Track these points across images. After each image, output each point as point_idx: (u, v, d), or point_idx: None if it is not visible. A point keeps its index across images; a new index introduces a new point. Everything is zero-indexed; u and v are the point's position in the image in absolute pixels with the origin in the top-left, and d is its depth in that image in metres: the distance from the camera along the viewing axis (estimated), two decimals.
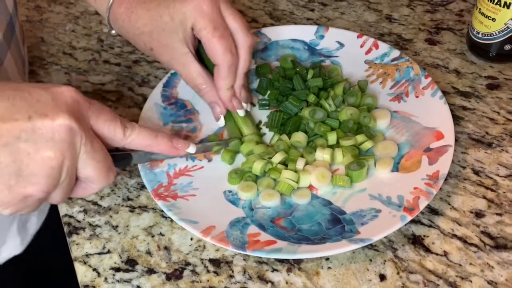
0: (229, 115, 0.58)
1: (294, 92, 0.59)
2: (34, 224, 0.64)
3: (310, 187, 0.52)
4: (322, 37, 0.67)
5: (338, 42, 0.66)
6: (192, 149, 0.50)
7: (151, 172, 0.53)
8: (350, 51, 0.65)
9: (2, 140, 0.34)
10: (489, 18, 0.61)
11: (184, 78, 0.56)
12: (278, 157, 0.53)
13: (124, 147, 0.44)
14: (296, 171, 0.52)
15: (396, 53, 0.63)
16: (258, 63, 0.65)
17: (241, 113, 0.57)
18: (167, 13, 0.51)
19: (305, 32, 0.67)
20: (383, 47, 0.64)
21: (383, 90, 0.61)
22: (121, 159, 0.47)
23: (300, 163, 0.53)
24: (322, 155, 0.53)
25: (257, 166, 0.52)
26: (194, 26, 0.51)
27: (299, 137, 0.55)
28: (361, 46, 0.65)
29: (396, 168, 0.52)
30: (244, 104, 0.57)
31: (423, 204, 0.47)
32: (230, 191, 0.52)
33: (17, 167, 0.35)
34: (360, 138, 0.54)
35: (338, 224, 0.48)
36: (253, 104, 0.61)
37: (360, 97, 0.58)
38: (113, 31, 0.58)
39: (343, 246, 0.45)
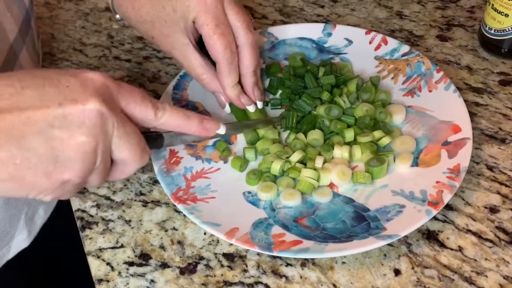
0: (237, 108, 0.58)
1: (307, 90, 0.58)
2: (41, 217, 0.64)
3: (330, 185, 0.52)
4: (329, 34, 0.66)
5: (346, 39, 0.66)
6: (222, 130, 0.49)
7: (168, 176, 0.52)
8: (359, 47, 0.65)
9: (35, 128, 0.35)
10: (502, 13, 0.61)
11: (185, 68, 0.56)
12: (296, 156, 0.53)
13: (156, 128, 0.44)
14: (315, 169, 0.52)
15: (405, 48, 0.63)
16: (267, 62, 0.65)
17: (251, 109, 0.57)
18: (170, 5, 0.52)
19: (313, 30, 0.67)
20: (392, 42, 0.64)
21: (395, 86, 0.60)
22: (153, 140, 0.46)
23: (318, 161, 0.52)
24: (340, 152, 0.53)
25: (276, 166, 0.52)
26: (196, 20, 0.52)
27: (316, 135, 0.54)
28: (370, 43, 0.65)
29: (415, 163, 0.52)
30: (259, 103, 0.57)
31: (447, 197, 0.47)
32: (249, 192, 0.52)
33: (53, 154, 0.35)
34: (377, 134, 0.54)
35: (363, 221, 0.48)
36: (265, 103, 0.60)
37: (374, 93, 0.58)
38: (117, 16, 0.58)
39: (371, 243, 0.45)
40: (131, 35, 0.75)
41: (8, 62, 0.53)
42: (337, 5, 0.77)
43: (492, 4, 0.62)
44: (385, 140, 0.54)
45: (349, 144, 0.54)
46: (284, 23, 0.75)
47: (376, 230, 0.46)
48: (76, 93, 0.36)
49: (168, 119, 0.43)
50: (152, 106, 0.42)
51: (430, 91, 0.58)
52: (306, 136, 0.55)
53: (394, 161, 0.52)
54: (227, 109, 0.58)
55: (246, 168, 0.54)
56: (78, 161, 0.36)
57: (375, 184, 0.51)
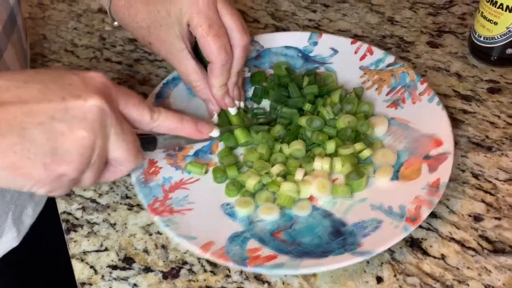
0: (223, 113, 0.58)
1: (290, 100, 0.58)
2: (29, 216, 0.65)
3: (310, 197, 0.52)
4: (315, 43, 0.65)
5: (332, 49, 0.65)
6: (215, 132, 0.50)
7: (146, 187, 0.52)
8: (344, 57, 0.64)
9: (37, 120, 0.36)
10: (491, 21, 0.61)
11: (179, 73, 0.56)
12: (276, 170, 0.52)
13: (151, 130, 0.45)
14: (295, 182, 0.51)
15: (391, 58, 0.62)
16: (252, 71, 0.64)
17: (232, 111, 0.57)
18: (164, 9, 0.52)
19: (299, 39, 0.66)
20: (378, 53, 0.63)
21: (379, 97, 0.60)
22: (147, 142, 0.48)
23: (299, 174, 0.52)
24: (321, 164, 0.52)
25: (251, 183, 0.51)
26: (189, 23, 0.52)
27: (299, 145, 0.54)
28: (355, 52, 0.64)
29: (396, 177, 0.51)
30: (236, 102, 0.57)
31: (425, 213, 0.47)
32: (228, 204, 0.51)
33: (52, 146, 0.36)
34: (358, 146, 0.53)
35: (340, 236, 0.47)
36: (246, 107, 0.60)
37: (357, 104, 0.57)
38: (116, 23, 0.58)
39: (346, 260, 0.44)
40: (123, 37, 0.75)
41: None
42: (329, 10, 0.77)
43: (482, 12, 0.62)
44: (366, 153, 0.53)
45: (330, 155, 0.54)
46: (276, 27, 0.75)
47: (352, 246, 0.46)
48: (79, 90, 0.38)
49: (163, 121, 0.45)
50: (148, 109, 0.43)
51: (414, 102, 0.57)
52: (289, 146, 0.55)
53: (374, 174, 0.52)
54: (215, 118, 0.58)
55: (224, 181, 0.53)
56: (76, 154, 0.37)
57: (354, 197, 0.51)
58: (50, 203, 0.68)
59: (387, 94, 0.60)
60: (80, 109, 0.37)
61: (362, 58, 0.63)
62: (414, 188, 0.49)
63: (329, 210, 0.50)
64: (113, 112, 0.39)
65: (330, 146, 0.53)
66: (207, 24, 0.51)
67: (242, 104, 0.59)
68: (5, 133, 0.35)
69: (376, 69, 0.62)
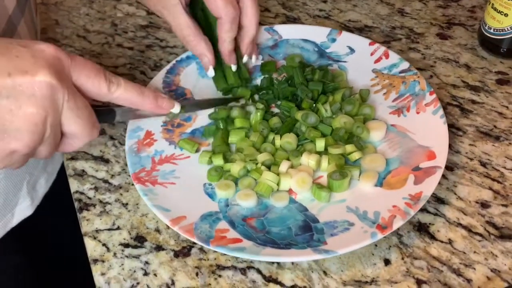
0: (219, 69, 0.59)
1: (299, 88, 0.58)
2: (43, 186, 0.66)
3: (290, 191, 0.52)
4: (333, 40, 0.65)
5: (349, 47, 0.65)
6: (176, 108, 0.50)
7: (136, 156, 0.53)
8: (359, 57, 0.63)
9: None
10: (502, 13, 0.62)
11: (173, 28, 0.57)
12: (262, 157, 0.53)
13: (110, 102, 0.44)
14: (278, 173, 0.52)
15: (405, 65, 0.61)
16: (266, 59, 0.65)
17: (234, 68, 0.59)
18: None
19: (317, 34, 0.66)
20: (393, 57, 0.62)
21: (385, 102, 0.59)
22: (105, 114, 0.46)
23: (283, 166, 0.52)
24: (307, 160, 0.52)
25: (236, 168, 0.52)
26: None
27: (290, 139, 0.54)
28: (372, 54, 0.63)
29: (380, 183, 0.51)
30: (245, 57, 0.59)
31: (397, 224, 0.46)
32: (210, 184, 0.52)
33: (0, 124, 0.35)
34: (349, 148, 0.53)
35: (308, 231, 0.47)
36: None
37: (358, 106, 0.57)
38: None
39: (307, 255, 0.45)
40: (134, 24, 0.76)
41: (6, 35, 0.53)
42: (339, 1, 0.77)
43: (492, 4, 0.63)
44: (355, 155, 0.52)
45: (320, 153, 0.54)
46: (287, 17, 0.75)
47: (317, 243, 0.46)
48: (27, 64, 0.36)
49: (122, 94, 0.43)
50: (105, 80, 0.41)
51: (417, 112, 0.56)
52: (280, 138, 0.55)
53: (359, 177, 0.52)
54: (211, 72, 0.59)
55: (209, 163, 0.54)
56: (26, 132, 0.36)
57: (334, 197, 0.50)
58: (62, 176, 0.69)
59: (393, 100, 0.59)
60: (28, 85, 0.35)
61: (377, 60, 0.63)
62: (395, 197, 0.49)
63: (305, 205, 0.50)
64: (65, 86, 0.37)
65: (320, 144, 0.53)
66: None
67: (254, 59, 0.60)
68: None
69: (388, 74, 0.61)
